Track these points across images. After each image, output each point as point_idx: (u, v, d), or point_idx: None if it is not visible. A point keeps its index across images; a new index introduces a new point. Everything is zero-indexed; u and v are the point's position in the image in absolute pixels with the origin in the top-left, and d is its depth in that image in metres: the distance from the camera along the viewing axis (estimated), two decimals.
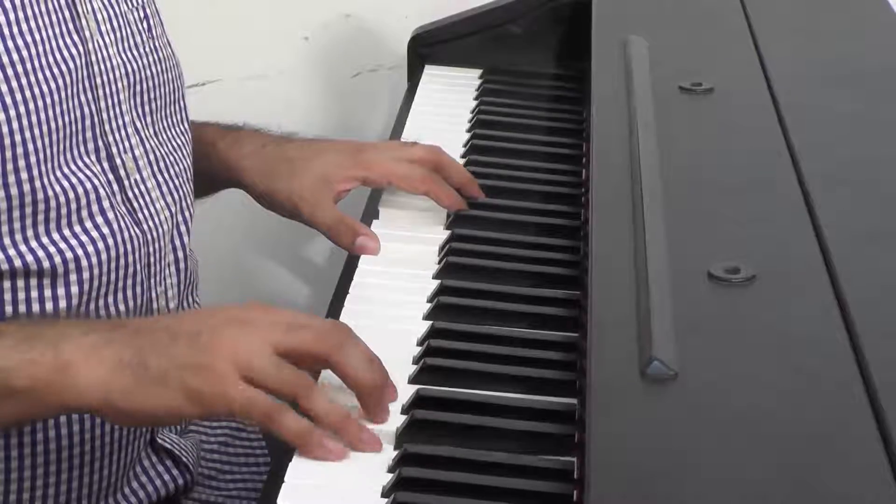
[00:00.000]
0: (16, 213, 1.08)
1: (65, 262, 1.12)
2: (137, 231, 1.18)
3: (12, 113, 1.07)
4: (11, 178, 1.07)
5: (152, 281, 1.21)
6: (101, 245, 1.14)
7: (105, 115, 1.16)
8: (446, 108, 1.67)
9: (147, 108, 1.21)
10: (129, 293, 1.18)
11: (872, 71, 1.42)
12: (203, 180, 1.35)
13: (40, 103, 1.09)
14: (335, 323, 1.08)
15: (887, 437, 0.85)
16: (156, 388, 0.99)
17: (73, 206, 1.12)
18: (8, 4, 1.08)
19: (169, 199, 1.22)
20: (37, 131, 1.08)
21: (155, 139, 1.22)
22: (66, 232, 1.12)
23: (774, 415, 0.89)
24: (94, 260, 1.14)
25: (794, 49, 1.47)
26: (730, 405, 0.91)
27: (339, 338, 1.03)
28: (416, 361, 1.15)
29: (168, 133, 1.24)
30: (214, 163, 1.38)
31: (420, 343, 1.18)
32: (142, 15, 1.23)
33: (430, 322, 1.20)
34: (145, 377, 0.99)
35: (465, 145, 1.56)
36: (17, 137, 1.07)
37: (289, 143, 1.42)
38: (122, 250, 1.16)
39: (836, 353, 0.95)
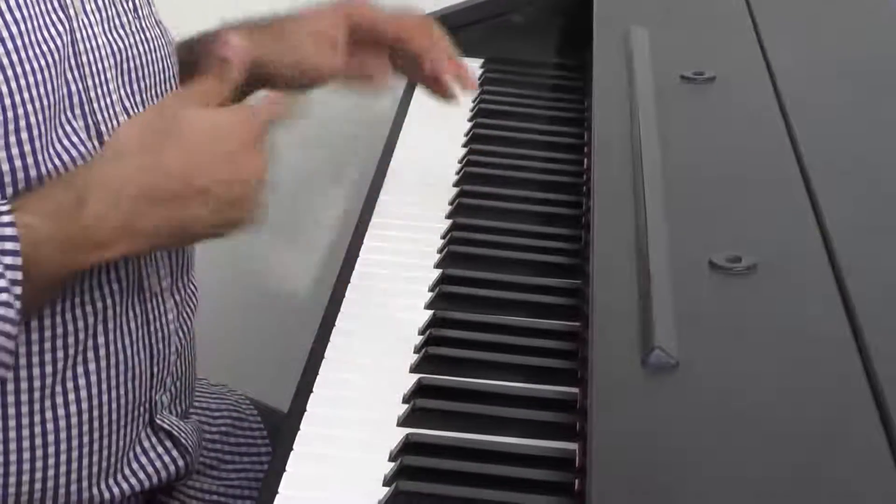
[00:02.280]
0: (9, 190, 1.08)
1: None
2: None
3: (3, 89, 1.07)
4: (2, 154, 1.07)
5: (142, 260, 1.20)
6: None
7: (93, 94, 1.15)
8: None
9: (136, 87, 1.21)
10: (122, 272, 1.17)
11: (874, 60, 1.43)
12: None
13: (28, 80, 1.08)
14: None
15: (889, 425, 0.85)
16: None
17: None
18: None
19: None
20: (28, 108, 1.08)
21: None
22: None
23: (775, 404, 0.90)
24: None
25: (795, 38, 1.47)
26: (731, 394, 0.91)
27: None
28: (417, 351, 1.15)
29: None
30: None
31: (421, 332, 1.18)
32: None
33: (432, 311, 1.21)
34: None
35: (466, 135, 1.56)
36: (9, 114, 1.07)
37: (277, 16, 1.45)
38: None
39: (838, 341, 0.95)
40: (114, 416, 1.18)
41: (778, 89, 1.32)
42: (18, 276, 1.03)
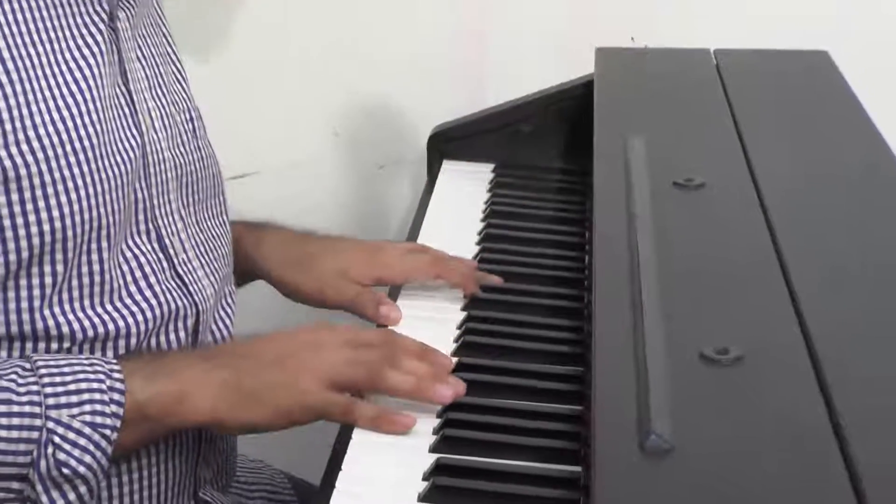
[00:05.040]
0: (74, 283, 1.09)
1: (117, 328, 1.12)
2: (187, 301, 1.18)
3: (82, 193, 1.08)
4: (83, 258, 1.08)
5: (197, 348, 1.21)
6: (149, 314, 1.15)
7: (156, 202, 1.17)
8: (462, 199, 1.67)
9: (191, 199, 1.23)
10: None
11: (848, 168, 1.43)
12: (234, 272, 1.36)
13: (104, 186, 1.10)
14: (383, 341, 1.20)
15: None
16: (252, 405, 1.10)
17: (128, 278, 1.13)
18: (80, 98, 1.09)
19: (213, 277, 1.23)
20: (101, 211, 1.09)
21: (196, 227, 1.23)
22: (118, 304, 1.12)
23: (763, 486, 0.89)
24: (142, 327, 1.14)
25: (777, 148, 1.47)
26: (723, 477, 0.90)
27: (381, 367, 1.15)
28: (436, 432, 1.15)
29: (209, 223, 1.25)
30: (240, 258, 1.38)
31: (439, 415, 1.18)
32: (188, 117, 1.25)
33: None
34: (242, 397, 1.10)
35: (479, 234, 1.57)
36: (85, 216, 1.08)
37: (309, 239, 1.44)
38: (169, 317, 1.17)
39: (817, 428, 0.95)
40: (163, 488, 1.18)
41: (761, 195, 1.32)
42: (119, 423, 1.05)
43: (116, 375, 1.06)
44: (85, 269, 1.10)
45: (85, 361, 1.06)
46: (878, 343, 1.07)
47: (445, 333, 1.33)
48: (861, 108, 1.56)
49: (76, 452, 1.02)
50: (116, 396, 1.05)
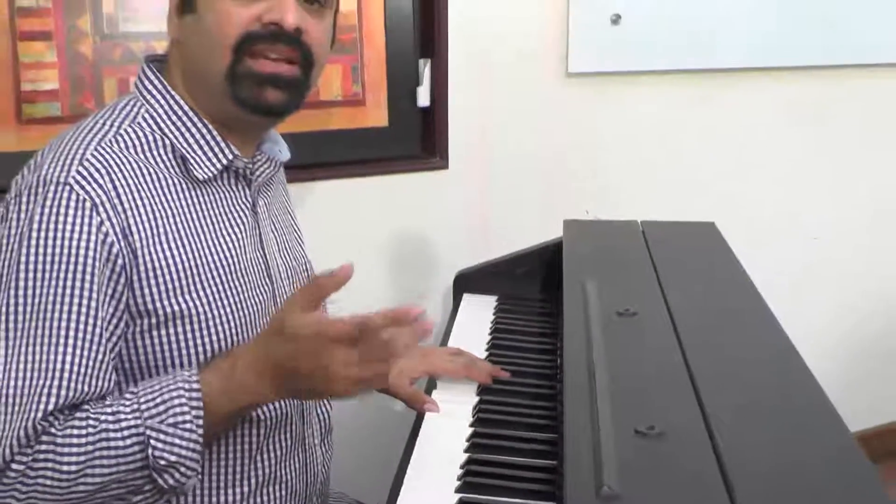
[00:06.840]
0: None
1: (248, 417, 1.10)
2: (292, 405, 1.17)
3: (230, 325, 1.07)
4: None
5: (304, 425, 1.20)
6: (271, 406, 1.14)
7: None
8: (476, 320, 1.66)
9: None
10: (290, 432, 1.17)
11: (728, 301, 1.41)
12: None
13: (247, 320, 1.09)
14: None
15: None
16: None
17: None
18: (230, 261, 1.09)
19: None
20: (243, 337, 1.08)
21: None
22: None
23: None
24: (266, 414, 1.13)
25: (683, 289, 1.45)
26: None
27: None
28: (459, 479, 1.13)
29: None
30: None
31: (461, 466, 1.16)
32: (304, 268, 1.24)
33: (468, 454, 1.19)
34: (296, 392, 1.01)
35: (487, 343, 1.55)
36: (232, 341, 1.07)
37: None
38: (284, 410, 1.16)
39: (712, 482, 0.94)
40: None
41: (674, 321, 1.31)
42: (201, 420, 1.00)
43: (195, 385, 0.99)
44: None
45: (171, 380, 1.00)
46: (756, 423, 1.06)
47: (465, 413, 1.31)
48: (736, 261, 1.56)
49: (167, 448, 0.98)
50: (195, 403, 0.99)
